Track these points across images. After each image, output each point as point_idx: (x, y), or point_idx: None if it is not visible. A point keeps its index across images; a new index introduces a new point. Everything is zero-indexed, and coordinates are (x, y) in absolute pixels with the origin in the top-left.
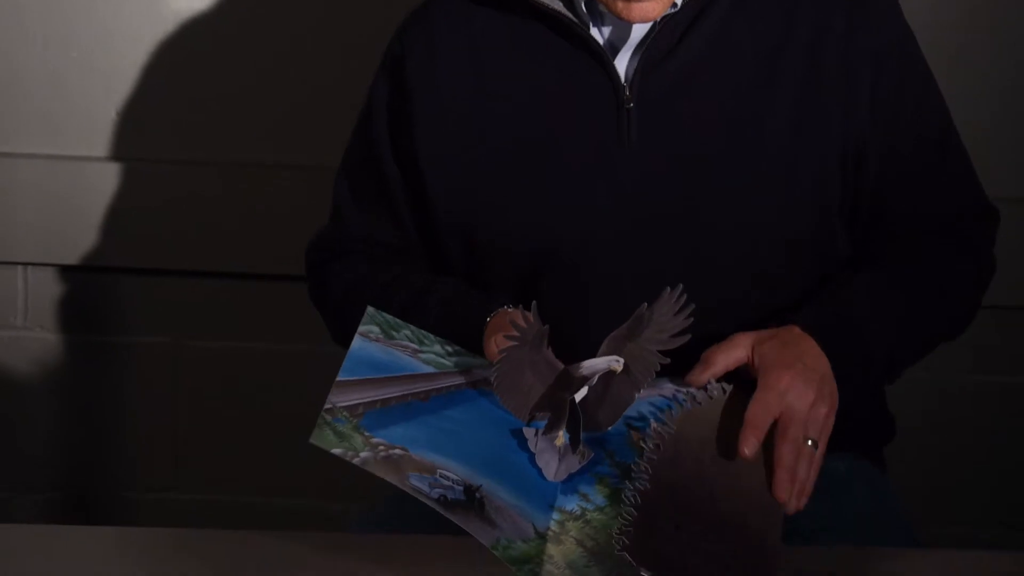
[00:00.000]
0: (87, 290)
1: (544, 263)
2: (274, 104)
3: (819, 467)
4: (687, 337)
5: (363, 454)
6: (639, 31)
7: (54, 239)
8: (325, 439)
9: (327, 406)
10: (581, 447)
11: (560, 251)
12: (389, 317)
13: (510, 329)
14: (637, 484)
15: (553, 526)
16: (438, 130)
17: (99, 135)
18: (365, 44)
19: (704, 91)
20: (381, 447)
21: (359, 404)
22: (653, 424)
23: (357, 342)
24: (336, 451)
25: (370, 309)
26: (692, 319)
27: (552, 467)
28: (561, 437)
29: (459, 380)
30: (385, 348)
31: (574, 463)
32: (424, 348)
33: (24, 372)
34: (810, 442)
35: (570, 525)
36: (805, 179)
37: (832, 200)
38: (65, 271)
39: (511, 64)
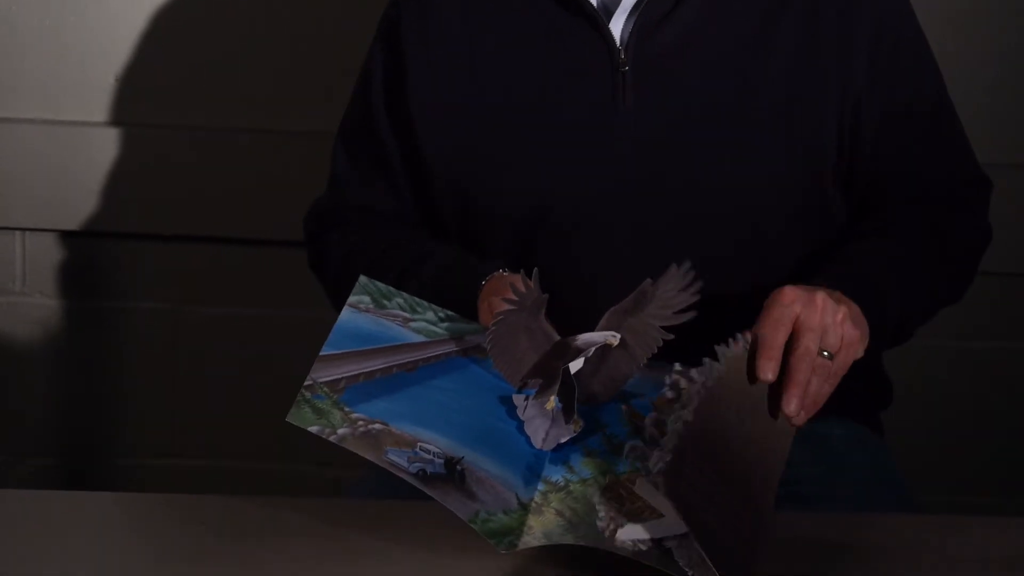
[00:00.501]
0: (85, 256)
1: (539, 225)
2: (274, 69)
3: (836, 382)
4: (692, 314)
5: (341, 430)
6: None
7: (52, 205)
8: (303, 417)
9: (307, 382)
10: (575, 418)
11: (554, 212)
12: (381, 286)
13: (504, 293)
14: (684, 415)
15: (537, 497)
16: (432, 92)
17: (97, 100)
18: (364, 10)
19: (700, 54)
20: (360, 422)
21: (341, 378)
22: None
23: (346, 314)
24: (313, 429)
25: (362, 278)
26: (698, 296)
27: (541, 434)
28: (552, 402)
29: (450, 348)
30: (375, 319)
31: (565, 432)
32: (416, 316)
33: (22, 338)
34: (826, 354)
35: (552, 496)
36: (799, 144)
37: (826, 164)
38: (63, 237)
39: (504, 27)
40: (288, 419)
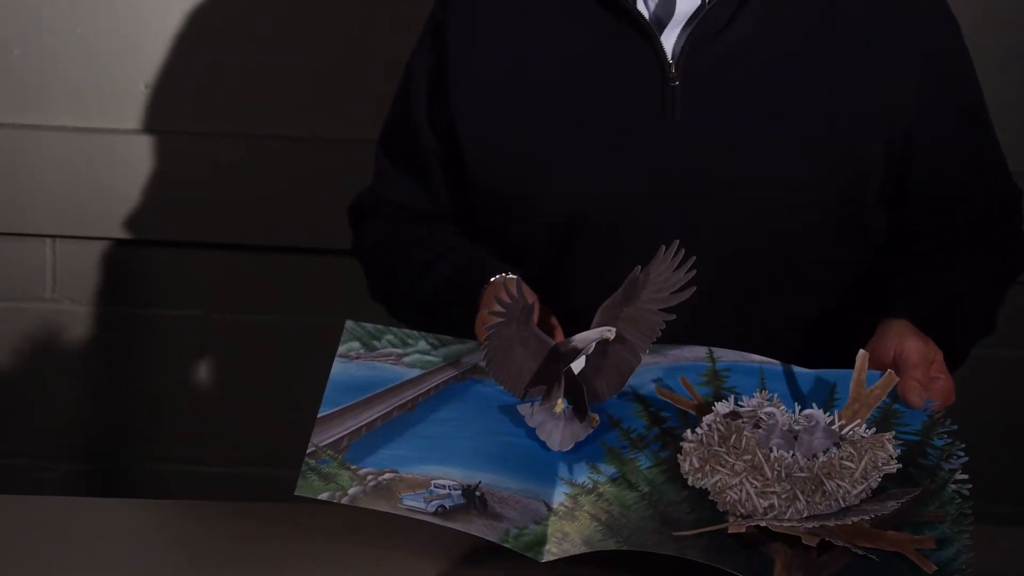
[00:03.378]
0: (115, 263)
1: (576, 232)
2: (303, 76)
3: None
4: (691, 290)
5: (352, 490)
6: (684, 6)
7: (82, 212)
8: (310, 487)
9: (310, 449)
10: (590, 414)
11: (593, 219)
12: (369, 326)
13: (504, 299)
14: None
15: (566, 501)
16: (476, 95)
17: (128, 107)
18: (399, 15)
19: (749, 70)
20: (370, 477)
21: (343, 437)
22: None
23: (337, 366)
24: (323, 496)
25: (349, 324)
26: (694, 272)
27: (556, 437)
28: (560, 404)
29: (448, 374)
30: (367, 364)
31: (581, 431)
32: (408, 349)
33: (52, 344)
34: None
35: (583, 500)
36: (839, 161)
37: (869, 183)
38: (93, 244)
39: (552, 33)
40: (296, 492)
